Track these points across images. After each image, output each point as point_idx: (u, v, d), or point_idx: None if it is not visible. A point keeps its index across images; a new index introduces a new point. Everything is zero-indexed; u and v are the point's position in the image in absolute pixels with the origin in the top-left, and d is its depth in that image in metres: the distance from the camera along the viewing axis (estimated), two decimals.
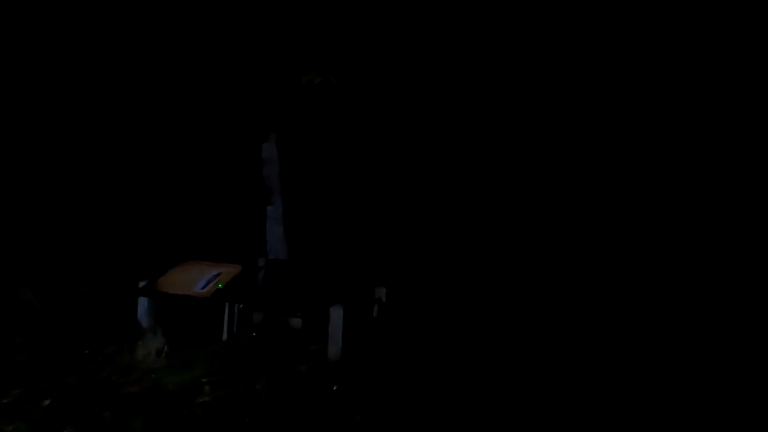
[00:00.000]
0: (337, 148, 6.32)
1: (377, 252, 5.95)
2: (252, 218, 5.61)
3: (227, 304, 4.30)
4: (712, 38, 5.03)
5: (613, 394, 3.50)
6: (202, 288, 4.26)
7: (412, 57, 5.55)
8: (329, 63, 5.26)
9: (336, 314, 3.98)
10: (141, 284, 4.41)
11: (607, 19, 5.22)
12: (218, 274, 4.40)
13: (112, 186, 6.26)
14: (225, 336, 4.33)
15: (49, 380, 3.59)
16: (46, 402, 3.30)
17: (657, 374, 3.75)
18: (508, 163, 6.09)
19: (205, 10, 5.16)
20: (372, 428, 3.17)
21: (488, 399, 3.52)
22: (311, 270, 4.86)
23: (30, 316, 4.69)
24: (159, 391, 3.54)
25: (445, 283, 5.58)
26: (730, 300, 4.78)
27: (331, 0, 5.09)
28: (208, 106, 5.73)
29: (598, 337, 4.35)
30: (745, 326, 4.41)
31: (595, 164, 5.86)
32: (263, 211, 5.49)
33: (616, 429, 3.18)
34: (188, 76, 5.60)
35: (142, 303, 4.40)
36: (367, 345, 4.18)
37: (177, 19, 5.21)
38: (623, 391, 3.54)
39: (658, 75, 5.37)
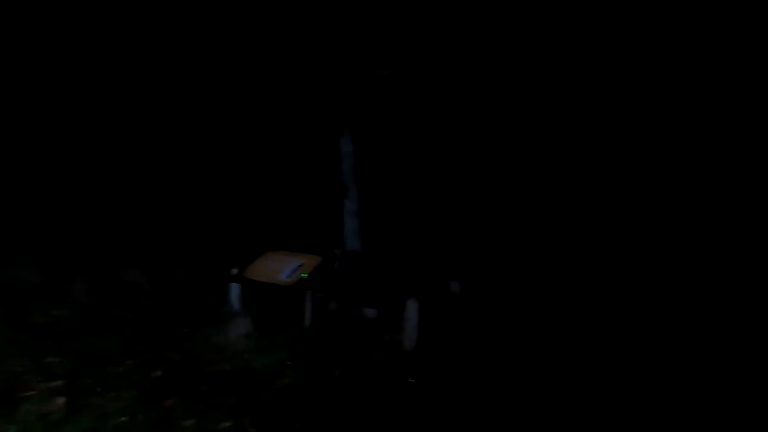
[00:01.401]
0: (410, 143, 6.35)
1: (451, 246, 5.92)
2: (330, 211, 5.82)
3: (309, 292, 4.52)
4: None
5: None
6: (287, 277, 4.52)
7: (485, 50, 5.43)
8: (401, 57, 5.29)
9: (412, 307, 4.04)
10: (233, 272, 4.77)
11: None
12: (301, 265, 4.63)
13: (208, 181, 6.79)
14: (306, 323, 4.56)
15: (156, 354, 4.01)
16: (157, 373, 3.70)
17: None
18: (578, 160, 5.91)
19: (285, 9, 5.41)
20: (449, 423, 3.19)
21: (564, 395, 3.41)
22: (386, 262, 4.96)
23: (138, 296, 5.25)
24: (247, 371, 3.81)
25: (516, 279, 5.44)
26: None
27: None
28: (292, 102, 6.01)
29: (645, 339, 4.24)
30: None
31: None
32: (341, 205, 5.68)
33: None
34: (274, 74, 5.90)
35: (234, 288, 4.77)
36: (442, 338, 4.20)
37: (264, 19, 5.50)
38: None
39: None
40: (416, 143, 6.25)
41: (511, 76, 5.69)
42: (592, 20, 5.19)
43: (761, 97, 4.93)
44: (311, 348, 4.19)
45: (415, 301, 4.07)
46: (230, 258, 5.15)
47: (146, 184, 6.67)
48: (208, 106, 6.43)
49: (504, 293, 5.24)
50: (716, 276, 4.95)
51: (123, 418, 3.12)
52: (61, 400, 3.29)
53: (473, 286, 4.86)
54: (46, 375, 3.56)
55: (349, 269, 4.94)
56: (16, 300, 4.83)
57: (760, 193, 5.01)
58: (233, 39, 5.77)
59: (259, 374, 3.77)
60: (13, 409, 3.14)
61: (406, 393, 3.55)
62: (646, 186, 5.56)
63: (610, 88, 5.47)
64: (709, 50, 5.00)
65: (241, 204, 6.72)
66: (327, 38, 5.42)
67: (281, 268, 4.64)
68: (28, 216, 6.07)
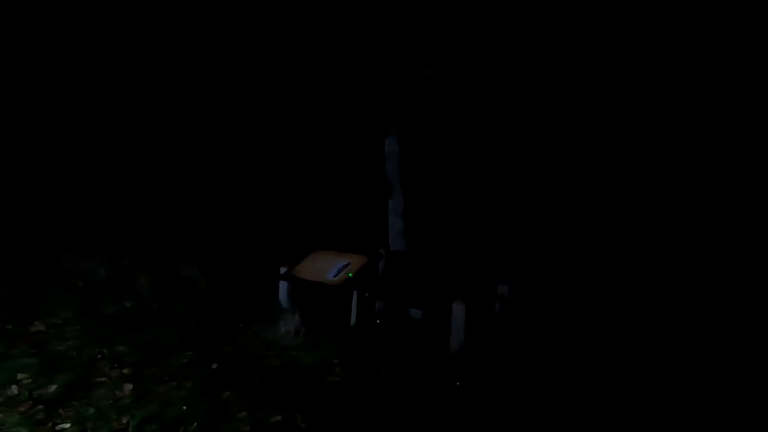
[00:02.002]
0: (456, 143, 6.31)
1: (498, 247, 5.84)
2: (376, 211, 5.89)
3: (355, 292, 4.61)
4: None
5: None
6: (334, 276, 4.63)
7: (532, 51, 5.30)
8: (447, 57, 5.25)
9: (458, 309, 4.03)
10: (282, 270, 4.94)
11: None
12: (347, 264, 4.73)
13: (261, 181, 7.05)
14: (352, 321, 4.66)
15: (212, 347, 4.24)
16: (214, 365, 3.91)
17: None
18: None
19: (331, 9, 5.50)
20: (494, 427, 3.17)
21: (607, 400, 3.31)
22: (431, 263, 4.96)
23: (195, 291, 5.56)
24: (296, 367, 3.96)
25: (564, 282, 5.30)
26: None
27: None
28: (340, 102, 6.12)
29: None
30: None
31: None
32: (386, 205, 5.74)
33: None
34: (322, 74, 6.03)
35: (283, 286, 4.94)
36: (489, 341, 4.16)
37: (310, 19, 5.62)
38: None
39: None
40: (462, 143, 6.21)
41: (550, 78, 5.54)
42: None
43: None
44: (357, 347, 4.28)
45: (461, 303, 4.06)
46: (280, 257, 5.35)
47: (204, 185, 7.03)
48: (261, 108, 6.67)
49: (552, 296, 5.12)
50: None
51: (184, 407, 3.33)
52: (129, 387, 3.56)
53: (521, 289, 4.78)
54: (117, 362, 3.86)
55: (395, 269, 4.99)
56: (89, 292, 5.26)
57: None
58: (281, 39, 5.94)
59: (308, 370, 3.90)
60: (89, 393, 3.44)
61: (451, 395, 3.55)
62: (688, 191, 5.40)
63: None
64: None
65: (291, 204, 6.93)
66: (373, 38, 5.47)
67: (328, 267, 4.76)
68: (99, 213, 6.55)
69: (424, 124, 5.96)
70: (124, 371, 3.76)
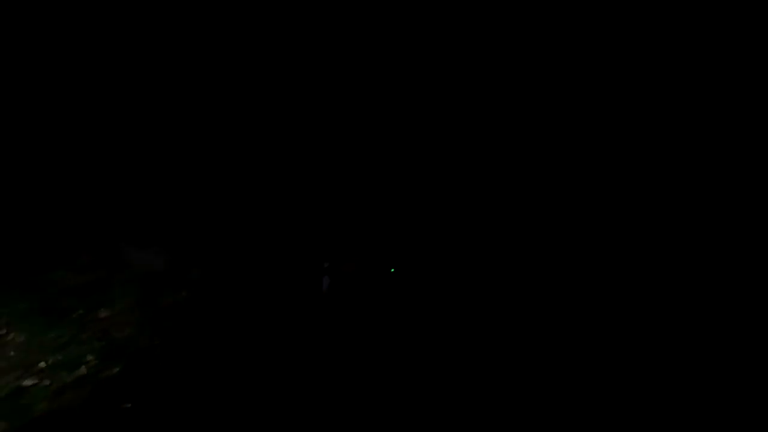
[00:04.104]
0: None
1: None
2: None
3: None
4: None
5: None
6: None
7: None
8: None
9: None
10: (325, 265, 5.11)
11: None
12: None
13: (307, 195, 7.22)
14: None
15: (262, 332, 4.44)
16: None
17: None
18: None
19: None
20: None
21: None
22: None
23: (245, 282, 5.80)
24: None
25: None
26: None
27: None
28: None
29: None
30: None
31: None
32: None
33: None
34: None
35: (326, 279, 5.09)
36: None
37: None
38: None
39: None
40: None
41: None
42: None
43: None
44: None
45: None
46: (323, 255, 5.53)
47: (257, 187, 7.25)
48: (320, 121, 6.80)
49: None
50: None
51: None
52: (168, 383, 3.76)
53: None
54: (170, 351, 4.10)
55: None
56: (149, 282, 5.60)
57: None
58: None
59: None
60: (145, 377, 3.68)
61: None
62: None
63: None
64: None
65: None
66: None
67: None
68: (159, 208, 6.94)
69: None
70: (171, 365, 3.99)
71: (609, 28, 5.23)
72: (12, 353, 4.01)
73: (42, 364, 3.85)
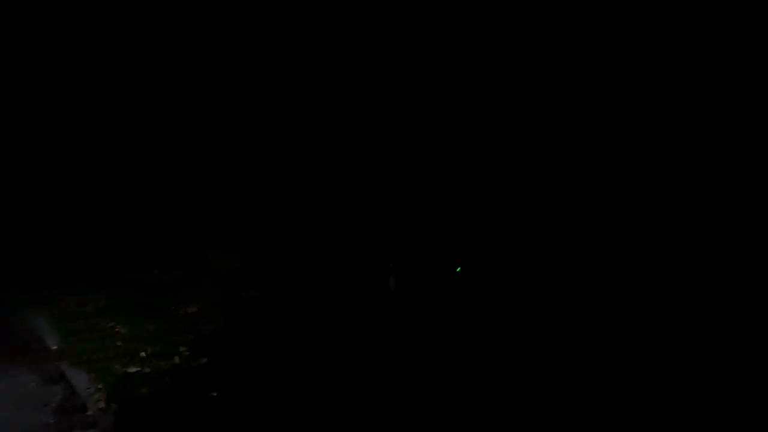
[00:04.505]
0: None
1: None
2: None
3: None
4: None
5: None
6: None
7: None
8: None
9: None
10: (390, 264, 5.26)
11: None
12: None
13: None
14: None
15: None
16: None
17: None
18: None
19: None
20: None
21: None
22: None
23: (318, 281, 6.09)
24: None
25: None
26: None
27: None
28: None
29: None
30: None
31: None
32: None
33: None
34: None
35: (392, 278, 5.24)
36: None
37: None
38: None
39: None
40: None
41: None
42: None
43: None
44: None
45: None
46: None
47: (325, 191, 7.52)
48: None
49: None
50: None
51: None
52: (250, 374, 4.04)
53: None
54: (258, 343, 4.43)
55: None
56: (231, 280, 6.08)
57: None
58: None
59: None
60: (222, 376, 4.00)
61: None
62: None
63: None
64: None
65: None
66: None
67: None
68: (235, 214, 7.46)
69: None
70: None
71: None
72: (119, 343, 4.54)
73: (143, 354, 4.31)
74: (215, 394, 3.62)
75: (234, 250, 6.64)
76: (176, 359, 4.19)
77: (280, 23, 6.90)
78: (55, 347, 4.58)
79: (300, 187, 7.42)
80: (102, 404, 3.53)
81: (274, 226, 7.15)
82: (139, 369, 4.00)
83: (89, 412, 3.50)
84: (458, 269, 4.73)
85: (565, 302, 4.71)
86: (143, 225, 7.60)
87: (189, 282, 6.19)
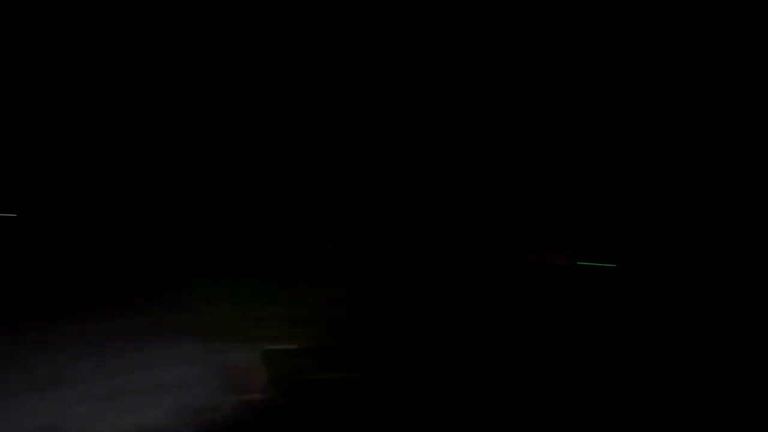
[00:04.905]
0: None
1: None
2: None
3: None
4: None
5: None
6: None
7: None
8: None
9: None
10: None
11: None
12: None
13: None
14: None
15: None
16: None
17: None
18: None
19: None
20: None
21: None
22: None
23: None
24: None
25: None
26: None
27: None
28: None
29: None
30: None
31: None
32: None
33: None
34: None
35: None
36: None
37: None
38: None
39: None
40: None
41: None
42: None
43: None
44: None
45: None
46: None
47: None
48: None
49: None
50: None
51: None
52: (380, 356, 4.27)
53: None
54: (375, 335, 4.70)
55: None
56: (354, 271, 6.46)
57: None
58: None
59: None
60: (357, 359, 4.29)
61: None
62: None
63: None
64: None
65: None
66: None
67: None
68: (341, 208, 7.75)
69: None
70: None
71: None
72: (265, 324, 5.13)
73: (281, 335, 4.83)
74: (358, 375, 3.94)
75: (357, 241, 7.02)
76: (318, 341, 4.62)
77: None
78: (208, 322, 5.34)
79: (414, 181, 7.50)
80: (254, 375, 4.06)
81: (403, 216, 7.33)
82: (286, 347, 4.51)
83: (241, 381, 4.05)
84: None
85: None
86: (276, 216, 8.27)
87: (317, 271, 6.72)
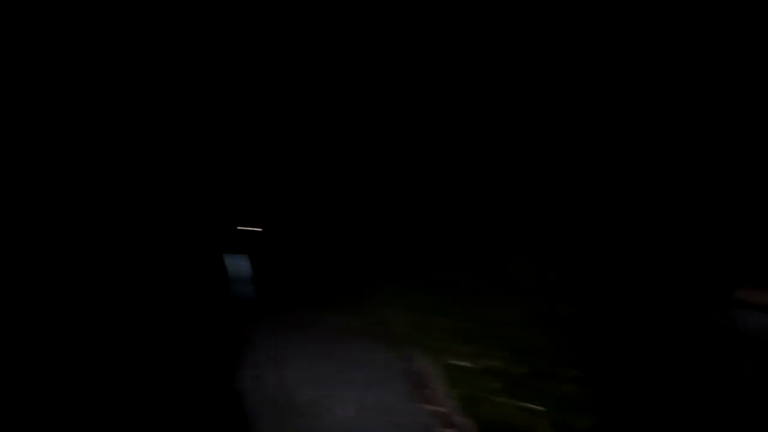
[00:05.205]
0: None
1: None
2: None
3: None
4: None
5: None
6: None
7: None
8: None
9: None
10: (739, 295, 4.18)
11: None
12: None
13: None
14: None
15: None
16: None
17: None
18: None
19: None
20: None
21: None
22: None
23: (640, 307, 5.46)
24: None
25: None
26: None
27: None
28: None
29: None
30: None
31: None
32: None
33: None
34: None
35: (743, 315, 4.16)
36: None
37: None
38: None
39: None
40: None
41: None
42: None
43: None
44: None
45: None
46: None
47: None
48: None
49: None
50: None
51: None
52: (574, 388, 3.87)
53: None
54: (567, 361, 4.31)
55: None
56: (537, 293, 6.12)
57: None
58: None
59: None
60: (546, 383, 4.00)
61: None
62: None
63: None
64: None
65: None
66: None
67: None
68: (544, 221, 7.35)
69: None
70: (571, 373, 4.14)
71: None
72: (441, 336, 5.24)
73: (462, 350, 4.84)
74: (531, 404, 3.70)
75: (543, 260, 6.64)
76: (496, 362, 4.51)
77: None
78: (396, 329, 5.67)
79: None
80: (438, 386, 4.15)
81: (595, 235, 6.72)
82: (466, 364, 4.51)
83: (428, 390, 4.17)
84: None
85: None
86: (453, 228, 8.35)
87: (496, 288, 6.58)
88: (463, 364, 4.46)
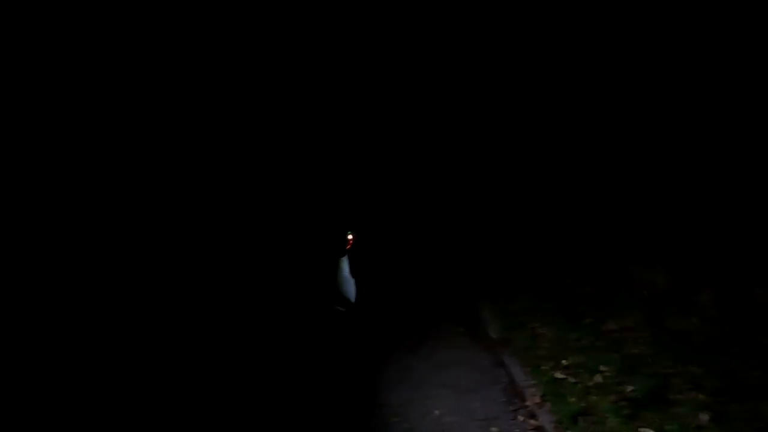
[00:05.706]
0: None
1: None
2: None
3: None
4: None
5: None
6: None
7: None
8: None
9: None
10: None
11: None
12: None
13: None
14: None
15: None
16: None
17: None
18: None
19: None
20: None
21: None
22: None
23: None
24: None
25: None
26: None
27: None
28: None
29: None
30: None
31: None
32: None
33: None
34: None
35: None
36: None
37: None
38: None
39: None
40: None
41: None
42: None
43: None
44: None
45: None
46: None
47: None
48: None
49: None
50: None
51: None
52: (705, 417, 3.37)
53: None
54: (691, 384, 3.78)
55: None
56: (653, 302, 5.47)
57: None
58: None
59: None
60: (666, 407, 3.55)
61: None
62: None
63: None
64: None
65: None
66: None
67: None
68: (666, 227, 6.53)
69: None
70: (701, 396, 3.62)
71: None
72: (546, 345, 4.94)
73: (565, 362, 4.50)
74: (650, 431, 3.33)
75: (660, 268, 5.90)
76: (598, 377, 4.13)
77: None
78: (495, 336, 5.51)
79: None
80: (538, 399, 3.94)
81: (715, 242, 5.83)
82: (564, 377, 4.20)
83: (527, 403, 3.99)
84: None
85: None
86: (569, 231, 7.86)
87: (605, 296, 6.03)
88: (571, 379, 4.14)
